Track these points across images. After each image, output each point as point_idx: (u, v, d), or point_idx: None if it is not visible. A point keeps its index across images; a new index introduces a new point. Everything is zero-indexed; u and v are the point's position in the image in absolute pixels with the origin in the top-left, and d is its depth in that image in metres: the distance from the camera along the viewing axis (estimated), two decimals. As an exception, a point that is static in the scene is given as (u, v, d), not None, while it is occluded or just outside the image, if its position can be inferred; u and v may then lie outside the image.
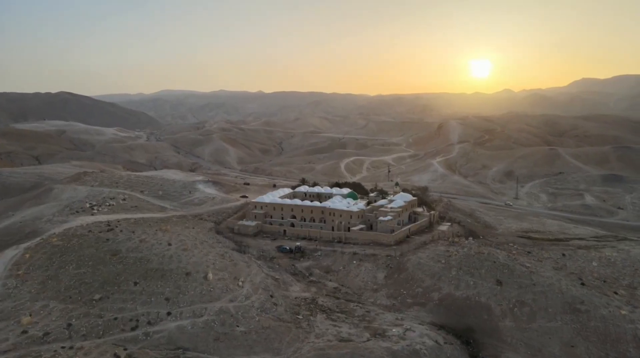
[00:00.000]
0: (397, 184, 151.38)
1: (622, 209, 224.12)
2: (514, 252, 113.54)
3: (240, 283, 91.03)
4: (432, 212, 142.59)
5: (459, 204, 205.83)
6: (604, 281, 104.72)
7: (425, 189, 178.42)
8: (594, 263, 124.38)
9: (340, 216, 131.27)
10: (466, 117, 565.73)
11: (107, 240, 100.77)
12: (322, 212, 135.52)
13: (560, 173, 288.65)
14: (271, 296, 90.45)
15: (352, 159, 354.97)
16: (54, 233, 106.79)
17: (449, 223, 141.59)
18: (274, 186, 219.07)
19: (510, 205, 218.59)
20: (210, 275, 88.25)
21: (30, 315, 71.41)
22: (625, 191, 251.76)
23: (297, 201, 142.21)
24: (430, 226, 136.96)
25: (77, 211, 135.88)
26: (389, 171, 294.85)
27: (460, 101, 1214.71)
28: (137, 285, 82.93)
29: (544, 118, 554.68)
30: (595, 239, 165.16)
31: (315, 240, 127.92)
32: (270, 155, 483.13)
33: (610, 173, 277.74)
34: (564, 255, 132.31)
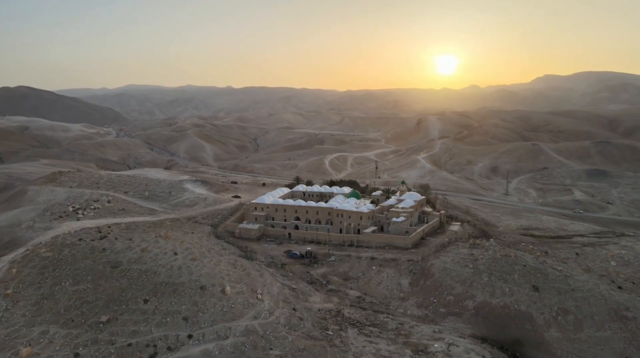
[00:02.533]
0: (403, 182, 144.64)
1: (611, 204, 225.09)
2: (537, 253, 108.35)
3: (259, 296, 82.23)
4: (442, 211, 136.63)
5: (453, 201, 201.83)
6: (633, 283, 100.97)
7: (427, 187, 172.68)
8: (613, 263, 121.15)
9: (349, 217, 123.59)
10: (443, 112, 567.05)
11: (104, 249, 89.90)
12: (329, 213, 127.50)
13: (545, 168, 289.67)
14: (294, 309, 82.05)
15: (335, 155, 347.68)
16: (41, 243, 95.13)
17: (459, 223, 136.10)
18: (263, 184, 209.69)
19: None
20: (228, 288, 79.06)
21: (30, 345, 60.82)
22: (610, 185, 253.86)
23: (301, 202, 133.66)
24: (440, 226, 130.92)
25: (61, 216, 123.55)
26: (377, 168, 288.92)
27: (430, 97, 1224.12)
28: (148, 302, 73.01)
29: (517, 114, 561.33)
30: (596, 235, 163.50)
31: (325, 244, 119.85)
32: (246, 151, 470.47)
33: (594, 168, 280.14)
34: (577, 254, 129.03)
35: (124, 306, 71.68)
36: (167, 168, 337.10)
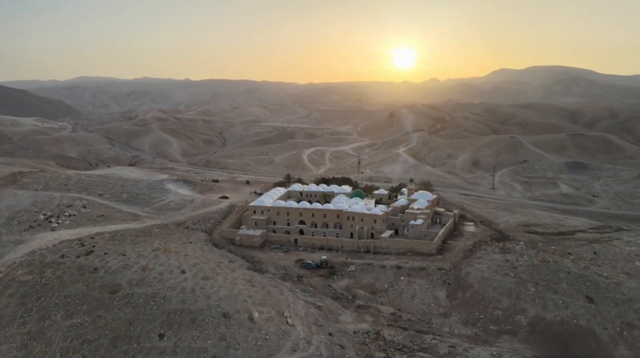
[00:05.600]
0: (411, 180, 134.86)
1: (597, 197, 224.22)
2: (572, 257, 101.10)
3: (289, 321, 70.30)
4: (455, 211, 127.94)
5: (444, 196, 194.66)
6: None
7: (428, 184, 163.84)
8: (638, 263, 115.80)
9: (362, 220, 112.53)
10: (414, 105, 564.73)
11: (95, 268, 75.29)
12: (338, 216, 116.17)
13: (525, 161, 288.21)
14: (330, 334, 70.62)
15: (312, 150, 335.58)
16: (15, 262, 79.29)
17: (472, 223, 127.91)
18: (247, 182, 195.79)
19: None
20: (256, 315, 66.70)
21: (24, 410, 46.76)
22: (592, 178, 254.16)
23: (306, 204, 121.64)
24: (455, 228, 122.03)
25: (31, 226, 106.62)
26: (359, 163, 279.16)
27: (392, 90, 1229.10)
28: (164, 338, 59.79)
29: (484, 106, 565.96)
30: (596, 231, 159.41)
31: (337, 251, 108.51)
32: (214, 146, 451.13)
33: (573, 161, 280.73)
34: (595, 253, 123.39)
35: (135, 345, 58.22)
36: (132, 164, 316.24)
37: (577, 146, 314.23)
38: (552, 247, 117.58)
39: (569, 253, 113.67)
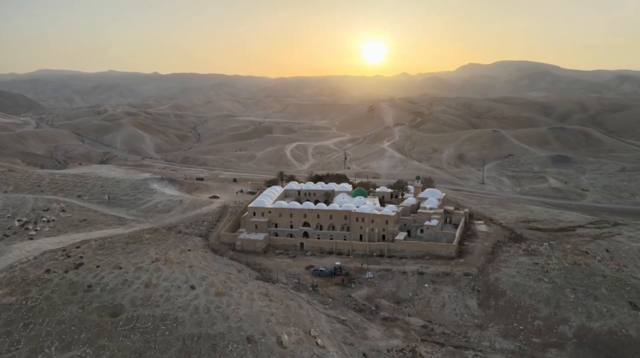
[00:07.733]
0: (418, 178, 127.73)
1: (587, 191, 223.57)
2: (598, 258, 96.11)
3: (319, 341, 61.95)
4: (465, 210, 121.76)
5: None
6: None
7: (430, 180, 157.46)
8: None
9: (372, 221, 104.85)
10: (392, 99, 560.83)
11: (89, 286, 65.16)
12: (346, 217, 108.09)
13: (510, 155, 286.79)
14: (364, 355, 62.73)
15: (294, 145, 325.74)
16: (-8, 280, 68.02)
17: (482, 221, 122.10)
18: (234, 180, 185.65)
19: None
20: (285, 338, 58.01)
21: None
22: (577, 171, 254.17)
23: (310, 205, 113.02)
24: (466, 227, 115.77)
25: (6, 235, 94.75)
26: (346, 158, 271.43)
27: (364, 84, 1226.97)
28: (184, 372, 50.47)
29: (460, 101, 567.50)
30: (594, 226, 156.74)
31: (348, 255, 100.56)
32: (188, 142, 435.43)
33: (557, 154, 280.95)
34: (607, 251, 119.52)
35: (151, 383, 48.77)
36: (103, 162, 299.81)
37: (559, 140, 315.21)
38: (568, 246, 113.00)
39: (586, 252, 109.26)
